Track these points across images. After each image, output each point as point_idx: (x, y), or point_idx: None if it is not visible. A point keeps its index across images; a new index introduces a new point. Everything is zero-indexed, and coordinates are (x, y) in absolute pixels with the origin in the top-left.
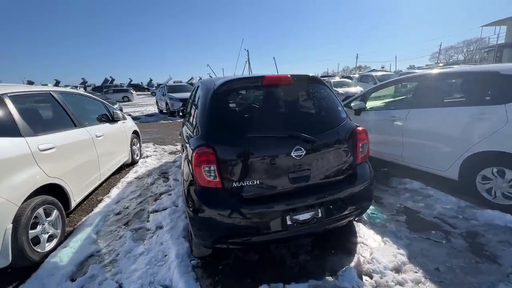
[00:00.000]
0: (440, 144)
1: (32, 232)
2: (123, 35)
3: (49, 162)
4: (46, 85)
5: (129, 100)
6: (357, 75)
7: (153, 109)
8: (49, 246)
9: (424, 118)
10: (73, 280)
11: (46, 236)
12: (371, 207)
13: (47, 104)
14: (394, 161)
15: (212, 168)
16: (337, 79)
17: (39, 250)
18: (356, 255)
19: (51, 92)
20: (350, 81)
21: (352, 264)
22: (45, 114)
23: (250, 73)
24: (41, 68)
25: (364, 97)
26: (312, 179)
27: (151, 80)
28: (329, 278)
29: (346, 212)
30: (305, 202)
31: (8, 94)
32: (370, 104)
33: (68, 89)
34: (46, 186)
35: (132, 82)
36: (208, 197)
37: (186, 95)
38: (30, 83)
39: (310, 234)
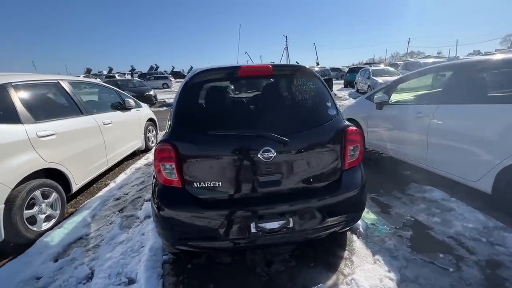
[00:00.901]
0: (472, 148)
1: (28, 212)
2: (165, 24)
3: (48, 148)
4: (102, 72)
5: (168, 87)
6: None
7: None
8: (46, 225)
9: (456, 116)
10: (55, 261)
11: (43, 216)
12: (372, 216)
13: (54, 92)
14: (417, 165)
15: (172, 166)
16: (381, 66)
17: (35, 229)
18: (336, 272)
19: (59, 81)
20: (392, 69)
21: (328, 282)
22: (50, 102)
23: (288, 61)
24: (100, 57)
25: (389, 89)
26: (284, 184)
27: (191, 67)
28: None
29: (325, 224)
30: (274, 209)
31: (12, 83)
32: (397, 97)
33: (80, 78)
34: (45, 170)
35: (174, 70)
36: (167, 196)
37: None
38: (88, 70)
39: (285, 244)
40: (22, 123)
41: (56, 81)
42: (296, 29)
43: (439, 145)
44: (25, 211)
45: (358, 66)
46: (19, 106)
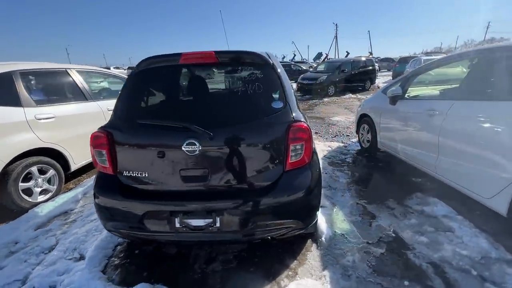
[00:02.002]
0: (489, 157)
1: (23, 185)
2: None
3: (46, 129)
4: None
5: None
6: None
7: None
8: (42, 198)
9: (472, 115)
10: (36, 229)
11: (39, 189)
12: (346, 226)
13: (61, 80)
14: (427, 172)
15: (103, 153)
16: (439, 56)
17: (29, 200)
18: (271, 282)
19: (67, 69)
20: None
21: None
22: (55, 88)
23: (336, 51)
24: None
25: (405, 81)
26: (211, 181)
27: None
28: None
29: (257, 228)
30: (199, 206)
31: (20, 71)
32: (418, 91)
33: (89, 67)
34: (44, 149)
35: None
36: (100, 182)
37: None
38: (131, 68)
39: (213, 244)
40: (22, 107)
41: (64, 69)
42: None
43: (452, 151)
44: (21, 184)
45: (411, 56)
46: (22, 92)
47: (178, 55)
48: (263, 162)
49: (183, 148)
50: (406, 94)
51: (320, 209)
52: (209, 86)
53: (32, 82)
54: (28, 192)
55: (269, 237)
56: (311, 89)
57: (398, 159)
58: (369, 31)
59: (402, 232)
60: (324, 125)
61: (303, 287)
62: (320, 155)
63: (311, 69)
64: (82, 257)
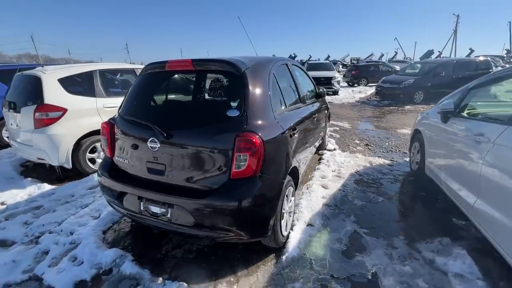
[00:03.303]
0: None
1: (90, 155)
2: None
3: (109, 115)
4: None
5: None
6: None
7: None
8: None
9: None
10: (87, 190)
11: (100, 160)
12: (320, 252)
13: (128, 77)
14: (463, 211)
15: (105, 140)
16: None
17: (92, 167)
18: (208, 283)
19: (134, 69)
20: None
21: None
22: (122, 83)
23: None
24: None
25: (463, 94)
26: (167, 176)
27: (328, 56)
28: (159, 280)
29: (198, 229)
30: (156, 196)
31: (98, 70)
32: (482, 107)
33: None
34: None
35: (311, 59)
36: (103, 163)
37: (321, 73)
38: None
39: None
40: (95, 97)
41: (131, 69)
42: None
43: (493, 193)
44: (88, 154)
45: None
46: (98, 86)
47: (165, 62)
48: (211, 166)
49: (148, 144)
50: (466, 111)
51: (305, 227)
52: (182, 91)
53: (106, 78)
54: (92, 161)
55: (216, 239)
56: (393, 94)
57: (440, 190)
58: (510, 22)
59: (384, 277)
60: (382, 138)
61: None
62: (352, 170)
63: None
64: (98, 217)
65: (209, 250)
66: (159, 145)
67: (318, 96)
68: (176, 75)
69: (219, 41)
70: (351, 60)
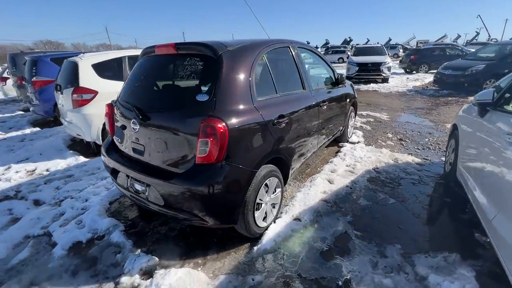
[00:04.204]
0: None
1: None
2: None
3: None
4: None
5: (343, 62)
6: None
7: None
8: None
9: None
10: None
11: None
12: (295, 248)
13: None
14: (483, 225)
15: (107, 119)
16: None
17: None
18: (180, 261)
19: None
20: None
21: (165, 263)
22: None
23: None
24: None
25: (507, 82)
26: (145, 156)
27: (389, 39)
28: (137, 252)
29: (167, 208)
30: (136, 175)
31: (127, 56)
32: None
33: None
34: None
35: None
36: (105, 141)
37: (369, 59)
38: (308, 42)
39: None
40: (123, 81)
41: None
42: None
43: None
44: None
45: None
46: (125, 71)
47: (154, 46)
48: (180, 150)
49: (131, 125)
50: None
51: (290, 221)
52: (166, 75)
53: (133, 64)
54: None
55: (184, 221)
56: (455, 83)
57: (466, 198)
58: None
59: (358, 286)
60: (423, 133)
61: (190, 277)
62: (370, 167)
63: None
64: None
65: (190, 231)
66: (138, 127)
67: (336, 83)
68: (162, 60)
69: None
70: (417, 43)
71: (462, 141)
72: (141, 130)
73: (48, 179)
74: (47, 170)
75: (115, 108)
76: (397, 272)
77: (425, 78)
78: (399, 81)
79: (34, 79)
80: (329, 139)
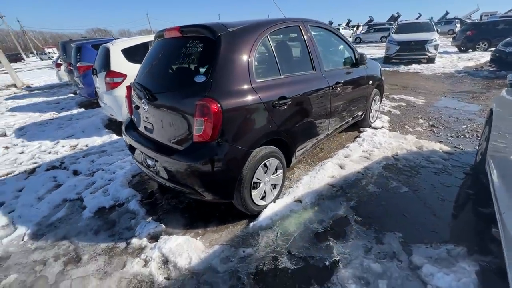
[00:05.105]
0: None
1: None
2: None
3: None
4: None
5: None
6: None
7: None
8: None
9: None
10: None
11: None
12: (291, 228)
13: None
14: (497, 218)
15: (126, 100)
16: None
17: None
18: (183, 230)
19: None
20: None
21: (169, 229)
22: None
23: None
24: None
25: None
26: (155, 134)
27: (446, 13)
28: (148, 219)
29: (171, 182)
30: (147, 151)
31: (149, 42)
32: None
33: None
34: None
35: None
36: (126, 120)
37: (412, 36)
38: (348, 21)
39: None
40: None
41: None
42: None
43: None
44: None
45: None
46: None
47: (164, 30)
48: (181, 129)
49: (142, 105)
50: None
51: (291, 201)
52: (171, 57)
53: None
54: None
55: (186, 195)
56: None
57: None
58: None
59: (343, 268)
60: (462, 119)
61: (188, 243)
62: (388, 153)
63: None
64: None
65: (196, 205)
66: (147, 107)
67: (356, 64)
68: (170, 43)
69: None
70: (481, 16)
71: (495, 127)
72: (150, 109)
73: (86, 153)
74: (86, 146)
75: (132, 89)
76: (390, 259)
77: (481, 57)
78: (448, 61)
79: (78, 64)
80: (345, 123)
